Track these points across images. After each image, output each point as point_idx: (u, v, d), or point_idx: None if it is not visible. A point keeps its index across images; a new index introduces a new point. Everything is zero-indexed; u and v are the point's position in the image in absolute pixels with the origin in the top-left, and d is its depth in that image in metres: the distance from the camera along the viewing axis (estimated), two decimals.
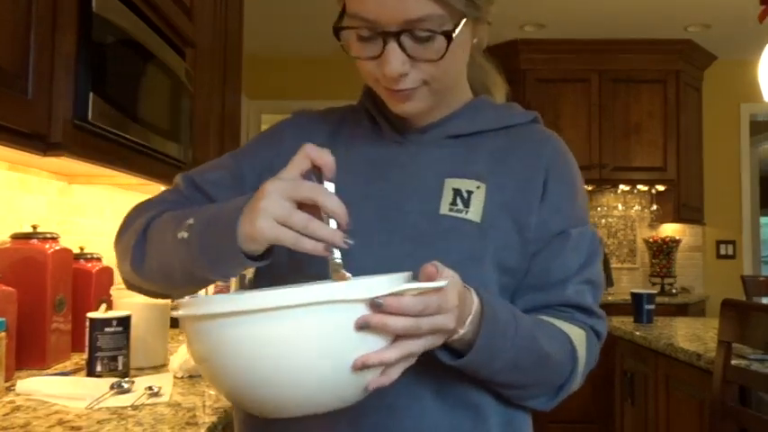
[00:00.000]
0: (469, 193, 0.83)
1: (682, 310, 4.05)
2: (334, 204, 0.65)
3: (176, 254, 0.75)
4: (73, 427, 1.01)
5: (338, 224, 0.66)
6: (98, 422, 1.04)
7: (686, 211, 4.54)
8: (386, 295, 0.61)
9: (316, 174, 0.68)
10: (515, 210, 0.84)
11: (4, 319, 1.22)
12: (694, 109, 4.69)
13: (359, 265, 0.70)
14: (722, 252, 4.86)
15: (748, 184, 4.90)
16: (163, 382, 1.25)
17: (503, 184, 0.85)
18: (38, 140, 1.24)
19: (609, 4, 3.91)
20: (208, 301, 0.63)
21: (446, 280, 0.65)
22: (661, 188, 4.58)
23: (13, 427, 1.00)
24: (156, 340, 1.49)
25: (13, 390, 1.21)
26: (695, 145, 4.68)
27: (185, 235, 0.73)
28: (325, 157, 0.68)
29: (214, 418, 1.08)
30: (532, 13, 3.97)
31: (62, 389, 1.19)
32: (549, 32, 4.25)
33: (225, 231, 0.69)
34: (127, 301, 1.47)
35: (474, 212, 0.82)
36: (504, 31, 4.21)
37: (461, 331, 0.70)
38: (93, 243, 2.04)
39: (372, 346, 0.61)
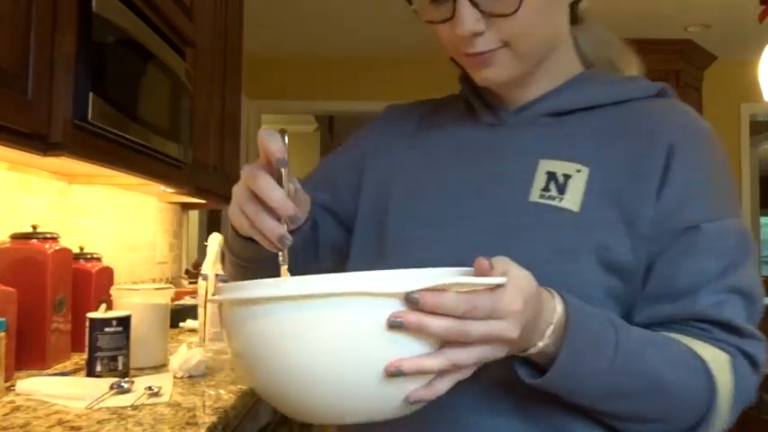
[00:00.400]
0: (566, 177, 0.71)
1: None
2: (275, 198, 0.61)
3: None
4: (73, 427, 1.01)
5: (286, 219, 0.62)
6: (98, 422, 1.04)
7: None
8: (423, 289, 0.50)
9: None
10: (624, 198, 0.70)
11: (3, 319, 1.22)
12: (694, 109, 4.68)
13: (430, 258, 0.61)
14: None
15: (748, 184, 4.89)
16: (163, 382, 1.25)
17: (610, 167, 0.71)
18: (38, 140, 1.24)
19: (609, 5, 3.91)
20: (223, 287, 0.58)
21: (504, 277, 0.53)
22: None
23: (13, 427, 1.00)
24: (156, 340, 1.49)
25: (13, 390, 1.21)
26: None
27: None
28: (270, 145, 0.62)
29: (214, 418, 1.07)
30: None
31: (62, 389, 1.19)
32: None
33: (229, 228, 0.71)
34: (127, 301, 1.47)
35: (570, 200, 0.70)
36: None
37: (540, 344, 0.59)
38: (93, 243, 2.04)
39: (411, 350, 0.51)
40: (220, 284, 0.61)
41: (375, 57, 4.94)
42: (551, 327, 0.59)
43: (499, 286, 0.53)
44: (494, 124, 0.79)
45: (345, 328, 0.50)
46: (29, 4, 1.18)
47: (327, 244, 0.83)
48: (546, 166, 0.73)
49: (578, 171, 0.71)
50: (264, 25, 4.22)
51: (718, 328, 0.68)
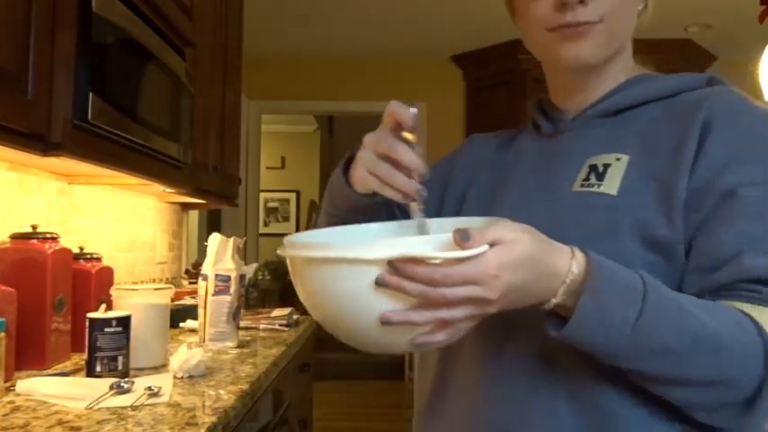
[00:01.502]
0: (606, 166, 0.77)
1: None
2: (407, 158, 0.70)
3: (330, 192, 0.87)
4: (72, 428, 1.01)
5: (418, 176, 0.71)
6: (98, 422, 1.04)
7: None
8: (401, 258, 0.58)
9: (399, 131, 0.73)
10: (663, 177, 0.73)
11: (3, 319, 1.22)
12: None
13: None
14: None
15: None
16: (163, 382, 1.25)
17: (652, 152, 0.76)
18: (37, 141, 1.24)
19: None
20: (289, 243, 0.71)
21: (481, 248, 0.59)
22: None
23: (13, 428, 1.00)
24: (155, 340, 1.49)
25: (13, 390, 1.21)
26: None
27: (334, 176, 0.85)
28: (403, 114, 0.71)
29: (214, 419, 1.07)
30: None
31: (62, 389, 1.19)
32: None
33: (338, 178, 0.82)
34: (127, 302, 1.47)
35: (608, 185, 0.76)
36: (505, 31, 4.20)
37: (554, 300, 0.64)
38: (93, 243, 2.04)
39: (406, 303, 0.61)
40: (290, 239, 0.73)
41: (375, 57, 4.94)
42: (564, 285, 0.63)
43: (478, 256, 0.59)
44: (552, 135, 0.88)
45: (350, 283, 0.61)
46: (28, 4, 1.18)
47: None
48: (590, 161, 0.79)
49: (618, 159, 0.77)
50: (264, 25, 4.22)
51: None
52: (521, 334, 0.76)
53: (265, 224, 7.98)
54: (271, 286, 7.47)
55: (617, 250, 0.69)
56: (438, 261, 0.59)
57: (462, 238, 0.58)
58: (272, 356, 1.67)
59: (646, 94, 0.82)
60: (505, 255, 0.60)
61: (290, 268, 0.70)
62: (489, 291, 0.60)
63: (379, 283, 0.59)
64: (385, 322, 0.60)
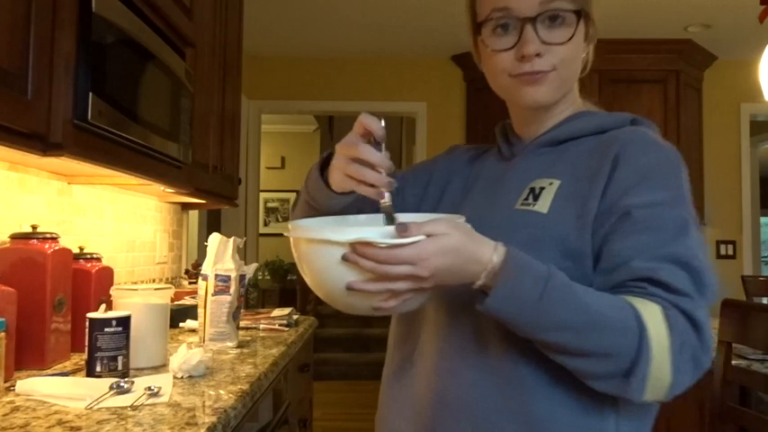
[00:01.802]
0: (542, 189, 0.94)
1: None
2: (374, 156, 0.84)
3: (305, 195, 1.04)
4: (72, 428, 1.01)
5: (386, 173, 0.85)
6: (98, 422, 1.04)
7: None
8: (358, 242, 0.76)
9: (370, 137, 0.87)
10: (582, 199, 0.91)
11: (3, 319, 1.22)
12: (694, 109, 4.69)
13: None
14: (722, 252, 4.86)
15: (748, 185, 4.89)
16: (162, 382, 1.25)
17: (578, 178, 0.93)
18: (37, 141, 1.24)
19: (609, 4, 3.91)
20: (293, 225, 0.87)
21: (417, 237, 0.77)
22: None
23: (13, 428, 1.00)
24: (155, 340, 1.49)
25: (13, 390, 1.21)
26: (695, 145, 4.67)
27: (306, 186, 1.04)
28: (373, 124, 0.85)
29: (214, 419, 1.07)
30: None
31: (62, 389, 1.19)
32: None
33: (316, 181, 0.98)
34: (126, 302, 1.47)
35: (541, 205, 0.93)
36: None
37: (478, 282, 0.81)
38: (93, 243, 2.04)
39: (363, 276, 0.78)
40: (294, 222, 0.89)
41: (375, 57, 4.94)
42: (485, 271, 0.81)
43: (414, 243, 0.77)
44: (507, 158, 1.06)
45: (325, 258, 0.80)
46: (28, 3, 1.18)
47: None
48: (531, 184, 0.97)
49: (551, 184, 0.95)
50: (264, 25, 4.23)
51: (653, 286, 0.83)
52: (463, 317, 0.93)
53: (265, 224, 7.99)
54: (270, 286, 7.48)
55: (539, 258, 0.84)
56: (383, 245, 0.76)
57: (400, 230, 0.77)
58: (272, 356, 1.67)
59: (580, 129, 1.00)
60: (435, 244, 0.77)
61: (293, 244, 0.86)
62: (421, 270, 0.77)
63: (344, 259, 0.77)
64: (349, 289, 0.78)
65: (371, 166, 0.85)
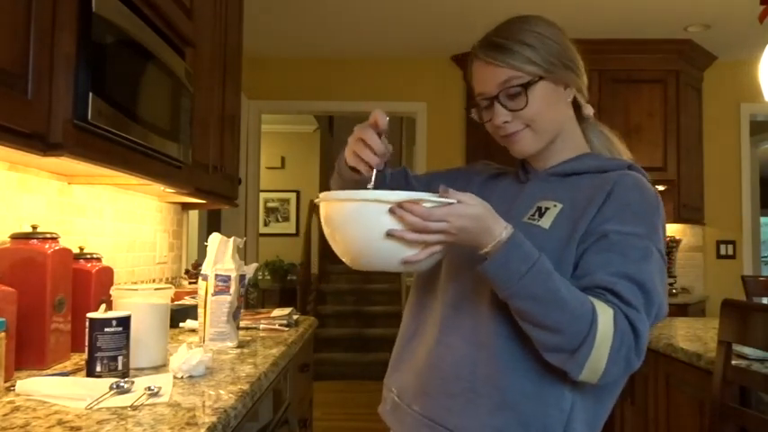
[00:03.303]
0: (546, 209, 1.15)
1: (682, 310, 4.05)
2: (372, 139, 1.11)
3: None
4: (72, 428, 1.01)
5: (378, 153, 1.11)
6: (98, 422, 1.04)
7: (686, 211, 4.54)
8: (407, 200, 0.95)
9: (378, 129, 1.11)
10: (573, 220, 1.11)
11: (3, 319, 1.22)
12: (694, 109, 4.69)
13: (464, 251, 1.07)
14: (722, 252, 4.86)
15: (748, 184, 4.90)
16: (162, 382, 1.25)
17: (575, 205, 1.13)
18: (38, 141, 1.24)
19: (609, 4, 3.91)
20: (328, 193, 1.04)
21: (453, 200, 0.97)
22: (661, 188, 4.57)
23: (13, 428, 1.00)
24: (155, 340, 1.49)
25: (13, 390, 1.21)
26: (695, 145, 4.68)
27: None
28: (380, 117, 1.11)
29: (214, 419, 1.07)
30: (532, 13, 3.96)
31: (62, 389, 1.19)
32: None
33: (341, 157, 1.22)
34: (127, 302, 1.47)
35: (545, 221, 1.13)
36: None
37: (484, 250, 1.00)
38: (93, 243, 2.04)
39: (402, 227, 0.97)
40: (327, 194, 1.04)
41: (375, 57, 4.94)
42: (493, 242, 1.00)
43: (450, 204, 0.97)
44: (523, 181, 1.27)
45: (370, 216, 0.97)
46: (29, 4, 1.18)
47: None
48: (538, 203, 1.18)
49: (555, 206, 1.15)
50: (264, 25, 4.23)
51: (610, 294, 1.03)
52: (464, 304, 1.15)
53: (265, 224, 7.98)
54: (271, 286, 7.48)
55: None
56: (430, 204, 0.96)
57: (443, 191, 0.98)
58: (272, 356, 1.67)
59: (585, 167, 1.21)
60: (465, 209, 0.98)
61: (328, 213, 1.02)
62: (451, 227, 0.97)
63: (391, 212, 0.95)
64: (390, 235, 0.96)
65: (369, 148, 1.11)
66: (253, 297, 3.14)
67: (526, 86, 1.15)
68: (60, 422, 1.04)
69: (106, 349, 1.33)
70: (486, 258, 1.01)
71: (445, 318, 1.17)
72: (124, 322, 1.36)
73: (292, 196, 8.26)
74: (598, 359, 0.99)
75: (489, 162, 1.41)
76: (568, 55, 1.20)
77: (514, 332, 1.07)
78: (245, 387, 1.31)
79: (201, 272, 1.78)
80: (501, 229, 1.01)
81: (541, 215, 1.15)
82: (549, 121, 1.18)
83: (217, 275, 1.75)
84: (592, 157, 1.24)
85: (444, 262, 1.19)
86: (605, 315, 1.00)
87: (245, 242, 2.21)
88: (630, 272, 1.03)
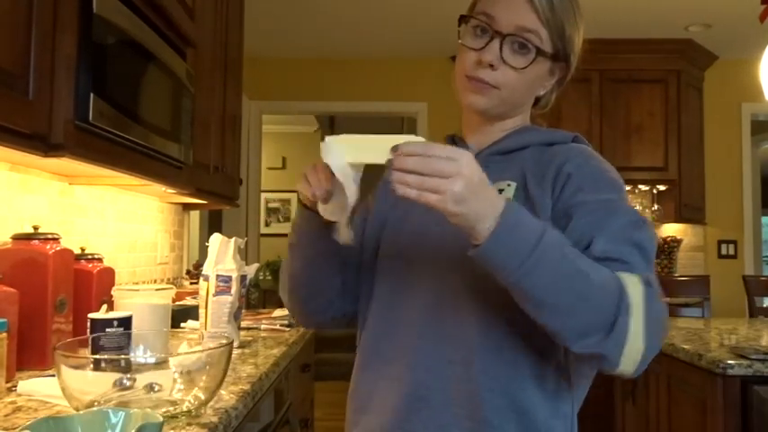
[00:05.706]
0: (500, 190, 1.02)
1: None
2: (311, 175, 0.96)
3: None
4: None
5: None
6: None
7: (687, 210, 4.54)
8: (411, 142, 0.82)
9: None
10: (534, 197, 1.01)
11: (5, 319, 1.23)
12: (695, 109, 4.69)
13: (419, 230, 1.05)
14: (723, 252, 4.86)
15: (749, 184, 4.89)
16: (163, 380, 1.25)
17: (530, 180, 1.03)
18: (39, 141, 1.24)
19: (609, 4, 3.91)
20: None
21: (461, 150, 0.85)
22: (662, 188, 4.57)
23: (14, 428, 1.00)
24: (156, 341, 1.49)
25: (15, 390, 1.21)
26: (696, 145, 4.67)
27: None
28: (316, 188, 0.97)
29: (215, 419, 1.08)
30: None
31: None
32: None
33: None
34: (128, 302, 1.48)
35: None
36: None
37: (486, 225, 0.83)
38: (95, 244, 2.05)
39: None
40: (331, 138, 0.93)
41: (375, 57, 4.94)
42: (490, 219, 0.83)
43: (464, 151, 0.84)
44: None
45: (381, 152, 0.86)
46: (29, 4, 1.19)
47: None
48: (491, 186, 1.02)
49: (509, 185, 1.04)
50: (265, 25, 4.23)
51: (618, 264, 0.90)
52: (448, 311, 1.01)
53: (266, 224, 7.98)
54: (272, 286, 7.48)
55: None
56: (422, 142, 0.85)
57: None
58: (274, 357, 1.67)
59: (527, 140, 1.09)
60: (476, 163, 0.83)
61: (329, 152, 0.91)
62: (452, 168, 0.80)
63: (394, 151, 0.82)
64: (394, 150, 0.82)
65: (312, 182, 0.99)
66: (254, 297, 3.15)
67: (543, 54, 1.02)
68: None
69: (107, 350, 1.32)
70: (476, 246, 0.86)
71: (422, 331, 1.02)
72: (125, 323, 1.36)
73: (293, 196, 8.22)
74: (636, 332, 0.86)
75: None
76: (577, 54, 1.11)
77: (507, 343, 0.97)
78: (247, 387, 1.31)
79: (203, 272, 1.78)
80: (500, 200, 0.86)
81: None
82: (517, 98, 1.07)
83: (218, 276, 1.75)
84: (533, 129, 1.13)
85: (412, 257, 1.07)
86: (635, 285, 0.88)
87: (246, 242, 2.21)
88: (625, 233, 0.94)
